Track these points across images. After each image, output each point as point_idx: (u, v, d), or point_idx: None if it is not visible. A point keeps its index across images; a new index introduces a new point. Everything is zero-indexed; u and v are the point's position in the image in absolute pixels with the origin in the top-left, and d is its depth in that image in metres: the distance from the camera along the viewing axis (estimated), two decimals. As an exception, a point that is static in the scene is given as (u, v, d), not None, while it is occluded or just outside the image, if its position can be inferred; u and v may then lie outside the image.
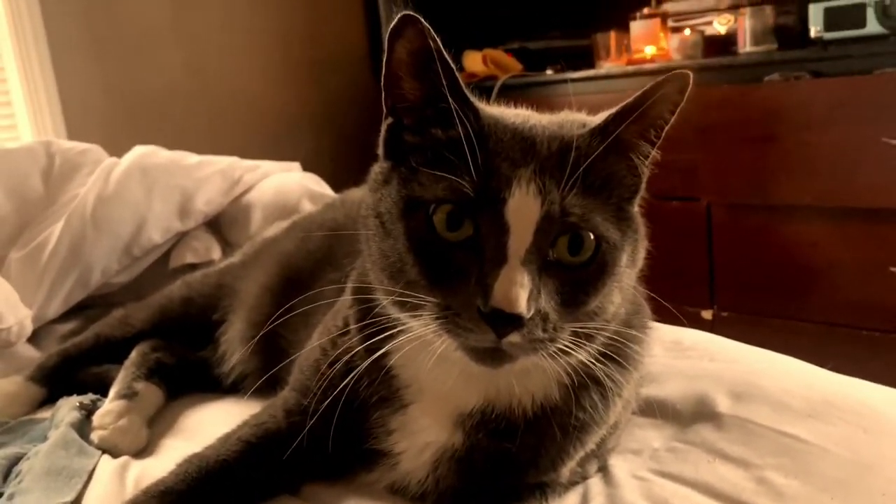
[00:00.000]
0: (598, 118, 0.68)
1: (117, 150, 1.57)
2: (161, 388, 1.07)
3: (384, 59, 0.66)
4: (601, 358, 0.69)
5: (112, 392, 1.04)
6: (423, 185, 0.65)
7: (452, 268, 0.63)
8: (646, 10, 2.65)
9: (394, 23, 0.64)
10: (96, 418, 0.99)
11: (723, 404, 0.88)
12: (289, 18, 2.94)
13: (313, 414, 0.78)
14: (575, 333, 0.65)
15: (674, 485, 0.77)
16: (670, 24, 2.65)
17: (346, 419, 0.75)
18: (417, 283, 0.65)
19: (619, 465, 0.82)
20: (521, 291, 0.59)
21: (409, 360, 0.72)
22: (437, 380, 0.72)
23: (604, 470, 0.82)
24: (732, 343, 1.08)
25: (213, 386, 1.11)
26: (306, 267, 1.04)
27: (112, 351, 1.15)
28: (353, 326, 0.78)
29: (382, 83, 0.68)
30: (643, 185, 0.70)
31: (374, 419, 0.77)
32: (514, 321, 0.59)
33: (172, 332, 1.15)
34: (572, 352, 0.65)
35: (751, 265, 2.39)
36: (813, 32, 2.28)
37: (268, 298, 1.05)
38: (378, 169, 0.72)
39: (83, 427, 0.99)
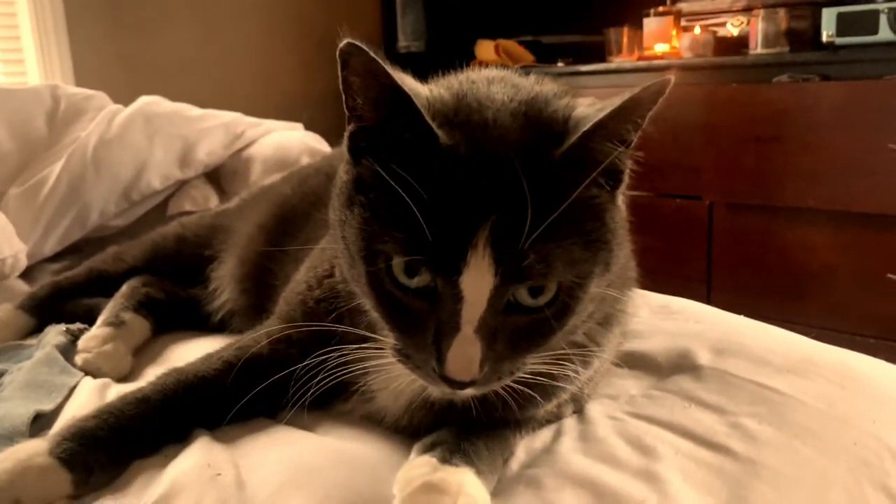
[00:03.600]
0: (577, 118, 0.62)
1: (123, 101, 1.57)
2: (149, 321, 1.07)
3: (339, 72, 0.62)
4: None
5: (100, 320, 1.05)
6: (379, 235, 0.61)
7: (412, 315, 0.62)
8: (660, 8, 2.66)
9: (339, 49, 0.60)
10: (81, 342, 1.00)
11: (703, 358, 0.88)
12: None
13: (295, 343, 0.79)
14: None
15: (647, 425, 0.77)
16: (683, 23, 2.66)
17: (325, 353, 0.76)
18: (379, 320, 0.66)
19: (595, 408, 0.82)
20: (472, 361, 0.59)
21: None
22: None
23: (579, 413, 0.82)
24: (720, 311, 1.08)
25: (202, 323, 1.11)
26: (301, 207, 1.05)
27: (104, 285, 1.15)
28: (337, 272, 0.78)
29: (342, 89, 0.63)
30: (620, 193, 0.66)
31: (351, 355, 0.77)
32: (468, 384, 0.61)
33: (165, 269, 1.16)
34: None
35: (749, 266, 2.39)
36: (825, 37, 2.29)
37: (261, 236, 1.06)
38: (345, 177, 0.68)
39: (68, 351, 1.00)
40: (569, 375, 0.72)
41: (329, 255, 0.81)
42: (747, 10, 2.52)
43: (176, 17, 2.66)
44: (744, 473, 0.68)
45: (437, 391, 0.66)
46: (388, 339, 0.66)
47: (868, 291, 2.16)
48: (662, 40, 2.64)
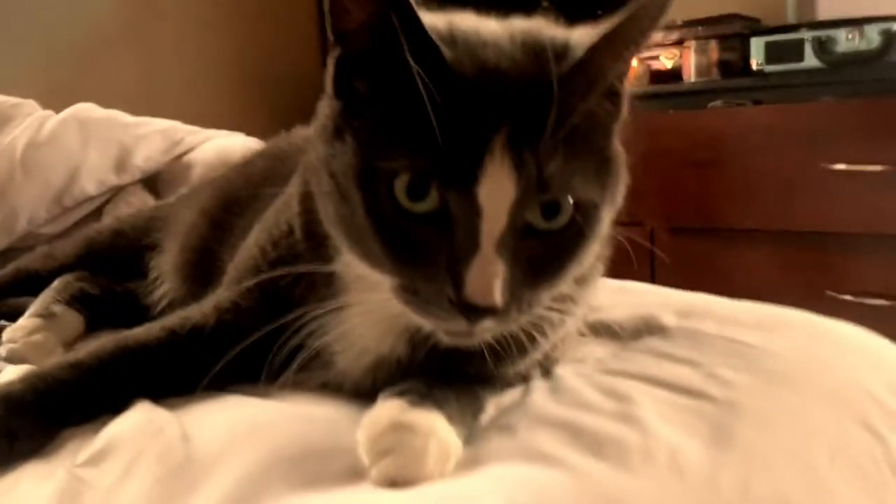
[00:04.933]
0: (577, 39, 0.59)
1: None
2: (82, 315, 1.00)
3: None
4: None
5: (27, 312, 0.97)
6: (380, 151, 0.56)
7: (419, 246, 0.56)
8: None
9: None
10: (7, 333, 0.92)
11: (669, 320, 0.86)
12: (242, 37, 2.94)
13: (245, 313, 0.74)
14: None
15: (619, 378, 0.73)
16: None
17: (278, 318, 0.71)
18: (380, 260, 0.58)
19: (562, 369, 0.79)
20: (496, 283, 0.54)
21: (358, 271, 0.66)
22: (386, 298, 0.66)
23: (547, 374, 0.78)
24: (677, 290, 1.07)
25: (141, 318, 1.04)
26: (246, 189, 1.00)
27: (33, 285, 1.07)
28: (298, 231, 0.73)
29: (327, 6, 0.58)
30: (624, 108, 0.63)
31: (308, 317, 0.72)
32: (488, 311, 0.55)
33: (100, 264, 1.09)
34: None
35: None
36: (754, 65, 2.38)
37: (204, 221, 1.00)
38: (328, 111, 0.63)
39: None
40: (545, 332, 0.68)
41: (283, 218, 0.77)
42: (679, 43, 2.61)
43: (113, 53, 2.61)
44: (724, 414, 0.65)
45: (449, 330, 0.59)
46: (382, 280, 0.60)
47: (810, 308, 2.20)
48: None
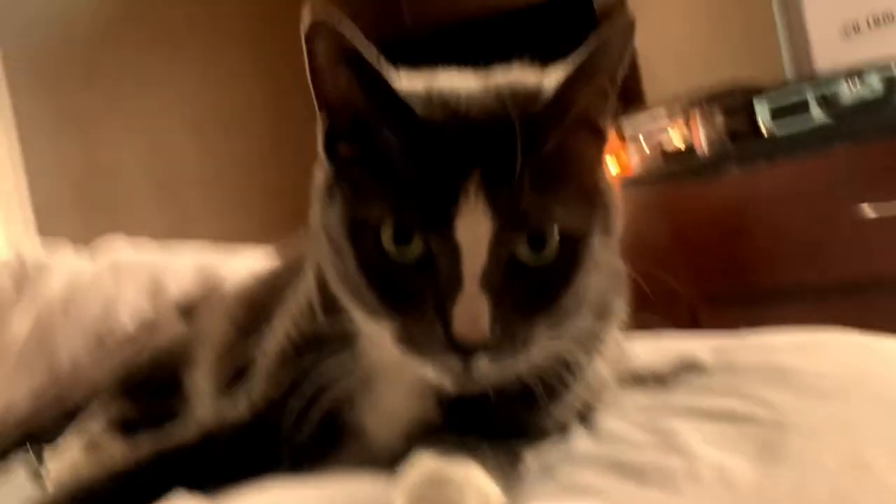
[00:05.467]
0: (546, 82, 0.61)
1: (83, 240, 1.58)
2: (122, 440, 1.00)
3: (306, 59, 0.60)
4: None
5: (68, 440, 0.98)
6: (365, 204, 0.59)
7: (409, 290, 0.58)
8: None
9: (305, 28, 0.59)
10: (49, 461, 0.93)
11: (706, 357, 0.84)
12: (257, 146, 3.00)
13: (277, 404, 0.74)
14: (552, 329, 0.61)
15: (661, 415, 0.72)
16: (627, 141, 2.79)
17: (311, 403, 0.71)
18: (376, 309, 0.61)
19: (602, 415, 0.77)
20: (482, 317, 0.55)
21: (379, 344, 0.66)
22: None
23: (586, 421, 0.76)
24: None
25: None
26: (272, 294, 1.02)
27: (72, 412, 1.09)
28: (317, 308, 0.75)
29: (309, 80, 0.62)
30: (607, 140, 0.65)
31: (339, 396, 0.73)
32: (479, 347, 0.56)
33: (138, 386, 1.10)
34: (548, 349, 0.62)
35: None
36: (763, 129, 2.40)
37: (235, 331, 1.02)
38: (321, 175, 0.66)
39: (36, 475, 0.93)
40: (575, 373, 0.67)
41: (303, 299, 0.78)
42: (685, 119, 2.65)
43: (137, 193, 2.72)
44: (771, 432, 0.63)
45: (448, 372, 0.59)
46: (385, 332, 0.61)
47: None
48: (613, 159, 2.74)
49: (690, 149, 2.61)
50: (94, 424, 1.01)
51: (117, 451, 0.98)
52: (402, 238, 0.58)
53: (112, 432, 1.01)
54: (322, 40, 0.59)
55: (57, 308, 1.34)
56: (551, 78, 0.62)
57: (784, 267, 2.22)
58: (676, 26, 2.89)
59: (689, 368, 0.83)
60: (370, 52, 0.59)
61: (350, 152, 0.62)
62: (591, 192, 0.61)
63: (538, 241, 0.58)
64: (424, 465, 0.59)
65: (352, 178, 0.61)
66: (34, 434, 1.09)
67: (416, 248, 0.57)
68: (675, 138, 2.69)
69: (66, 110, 2.62)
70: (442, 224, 0.56)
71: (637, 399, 0.81)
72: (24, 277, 1.46)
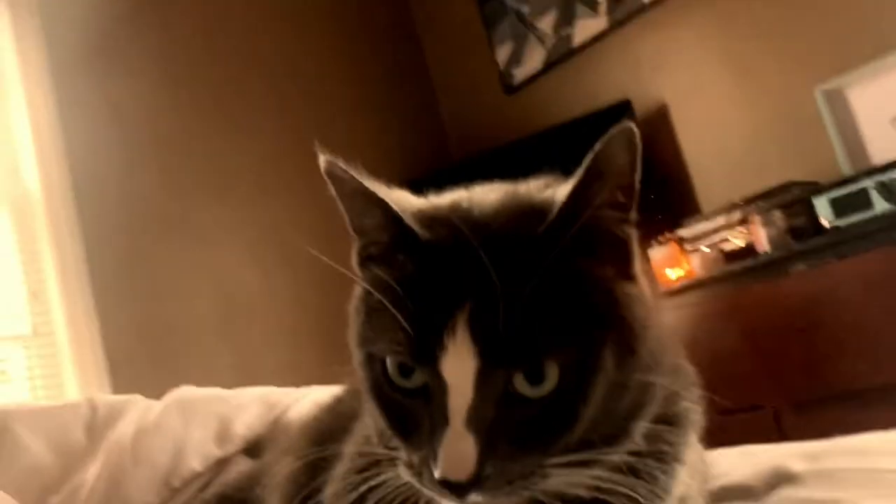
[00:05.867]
0: (557, 196, 0.60)
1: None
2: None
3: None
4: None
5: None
6: (373, 336, 0.61)
7: (412, 419, 0.59)
8: (660, 238, 2.77)
9: (323, 169, 0.63)
10: None
11: (799, 466, 0.79)
12: (319, 283, 3.04)
13: None
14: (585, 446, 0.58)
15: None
16: (687, 247, 2.76)
17: None
18: (388, 435, 0.62)
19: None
20: (465, 458, 0.54)
21: None
22: None
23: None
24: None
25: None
26: (337, 426, 1.00)
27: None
28: (374, 436, 0.74)
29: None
30: (633, 252, 0.62)
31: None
32: (466, 485, 0.54)
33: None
34: (585, 468, 0.58)
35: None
36: (825, 223, 2.35)
37: (301, 469, 1.00)
38: (356, 293, 0.67)
39: None
40: (648, 483, 0.63)
41: (365, 426, 0.77)
42: (744, 221, 2.62)
43: (209, 347, 2.78)
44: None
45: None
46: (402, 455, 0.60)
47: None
48: (673, 266, 2.71)
49: (752, 249, 2.56)
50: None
51: None
52: (406, 371, 0.58)
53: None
54: (333, 180, 0.63)
55: (126, 455, 1.34)
56: (560, 192, 0.60)
57: (866, 364, 2.11)
58: (722, 132, 2.90)
59: (782, 480, 0.77)
60: (376, 186, 0.62)
61: (369, 280, 0.63)
62: (603, 312, 0.58)
63: (535, 375, 0.55)
64: None
65: (368, 306, 0.62)
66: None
67: (417, 378, 0.58)
68: (736, 240, 2.65)
69: (136, 261, 2.73)
70: (429, 361, 0.55)
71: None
72: (95, 424, 1.47)
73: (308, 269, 2.78)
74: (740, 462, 0.90)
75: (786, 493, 0.74)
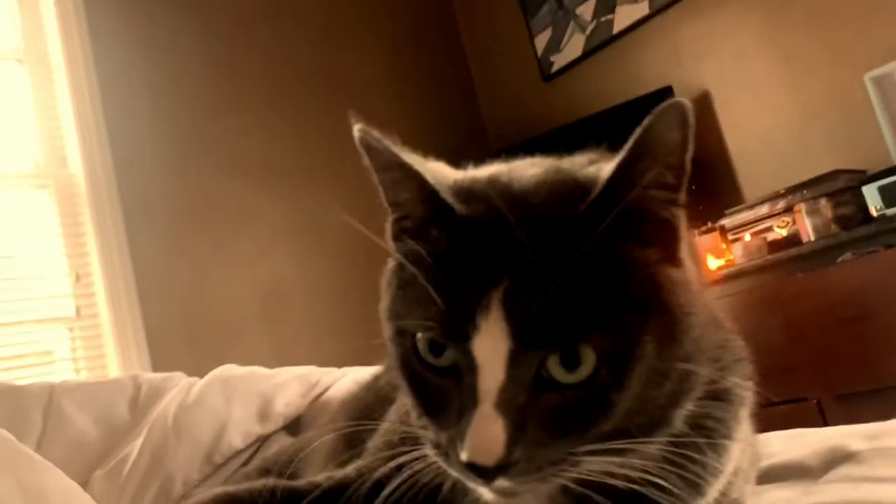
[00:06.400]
0: (596, 177, 0.57)
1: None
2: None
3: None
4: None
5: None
6: (404, 311, 0.59)
7: (440, 396, 0.57)
8: (703, 228, 2.73)
9: (357, 139, 0.61)
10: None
11: (858, 445, 0.76)
12: (355, 270, 3.06)
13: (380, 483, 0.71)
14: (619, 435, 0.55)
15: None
16: (730, 236, 2.71)
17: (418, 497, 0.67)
18: (417, 413, 0.60)
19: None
20: (494, 441, 0.51)
21: None
22: None
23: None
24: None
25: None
26: (376, 402, 1.00)
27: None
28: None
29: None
30: (680, 236, 0.58)
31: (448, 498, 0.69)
32: (493, 468, 0.52)
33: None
34: (618, 456, 0.55)
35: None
36: (874, 212, 2.30)
37: (340, 443, 1.00)
38: (389, 266, 0.65)
39: None
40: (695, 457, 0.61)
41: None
42: (788, 210, 2.57)
43: (249, 333, 2.80)
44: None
45: (483, 492, 0.56)
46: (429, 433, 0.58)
47: None
48: (715, 255, 2.67)
49: (797, 238, 2.51)
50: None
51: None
52: (437, 348, 0.56)
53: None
54: (368, 150, 0.60)
55: (169, 430, 1.35)
56: (606, 169, 0.57)
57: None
58: (767, 120, 2.85)
59: (841, 458, 0.75)
60: (412, 157, 0.60)
61: (403, 253, 0.60)
62: (644, 297, 0.55)
63: (571, 360, 0.52)
64: None
65: (400, 279, 0.60)
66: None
67: (448, 356, 0.55)
68: (780, 229, 2.61)
69: (177, 245, 2.76)
70: (461, 339, 0.53)
71: (783, 495, 0.73)
72: (139, 401, 1.49)
73: (345, 255, 2.79)
74: (792, 443, 0.88)
75: (843, 471, 0.72)
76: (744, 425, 0.70)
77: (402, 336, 0.59)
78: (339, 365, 1.86)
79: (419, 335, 0.57)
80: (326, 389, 1.49)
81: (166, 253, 2.73)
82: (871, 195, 2.31)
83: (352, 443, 0.97)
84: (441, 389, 0.56)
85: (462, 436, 0.52)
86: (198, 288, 2.76)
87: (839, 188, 2.43)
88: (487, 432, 0.51)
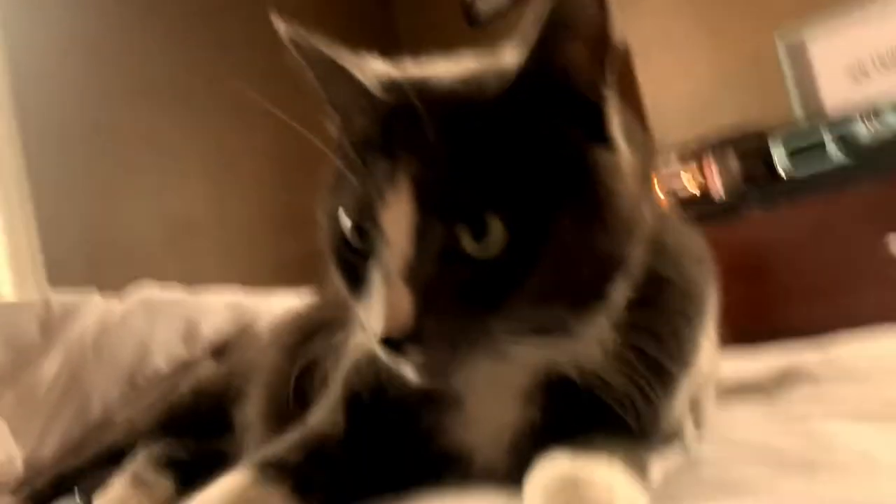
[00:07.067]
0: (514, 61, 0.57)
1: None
2: (171, 479, 0.94)
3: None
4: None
5: (115, 481, 0.91)
6: (332, 200, 0.61)
7: (366, 278, 0.58)
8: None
9: (284, 38, 0.62)
10: (98, 499, 0.86)
11: (812, 364, 0.79)
12: (269, 193, 2.98)
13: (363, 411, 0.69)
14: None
15: (797, 423, 0.65)
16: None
17: (393, 425, 0.67)
18: (349, 297, 0.61)
19: (724, 430, 0.71)
20: (401, 312, 0.53)
21: None
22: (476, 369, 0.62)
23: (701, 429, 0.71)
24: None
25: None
26: (327, 316, 0.97)
27: (116, 460, 1.02)
28: None
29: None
30: (607, 115, 0.57)
31: (428, 423, 0.68)
32: (403, 340, 0.53)
33: (184, 426, 1.03)
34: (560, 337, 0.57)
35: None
36: (782, 172, 2.40)
37: (286, 358, 0.96)
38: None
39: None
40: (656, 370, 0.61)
41: None
42: (698, 166, 2.65)
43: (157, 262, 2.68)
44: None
45: (406, 367, 0.56)
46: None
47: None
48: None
49: (706, 193, 2.60)
50: (139, 464, 0.95)
51: (162, 485, 0.92)
52: (361, 231, 0.57)
53: (158, 469, 0.95)
54: (297, 48, 0.62)
55: (88, 351, 1.28)
56: (523, 50, 0.56)
57: (811, 309, 2.18)
58: (682, 74, 2.92)
59: (795, 378, 0.78)
60: (334, 51, 0.61)
61: (336, 142, 0.63)
62: (562, 174, 0.55)
63: (479, 233, 0.53)
64: (558, 466, 0.53)
65: (334, 171, 0.61)
66: (70, 477, 1.03)
67: (369, 237, 0.57)
68: (689, 183, 2.69)
69: (79, 169, 2.60)
70: (373, 214, 0.55)
71: (747, 410, 0.76)
72: (50, 322, 1.40)
73: (258, 187, 2.72)
74: (740, 362, 0.91)
75: (803, 390, 0.75)
76: (709, 329, 0.70)
77: (332, 222, 0.60)
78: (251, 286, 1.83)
79: (343, 220, 0.58)
80: (256, 319, 1.45)
81: (68, 179, 2.56)
82: (779, 154, 2.41)
83: (297, 355, 0.94)
84: (365, 271, 0.57)
85: (375, 311, 0.54)
86: (101, 214, 2.61)
87: (747, 145, 2.52)
88: (395, 304, 0.52)
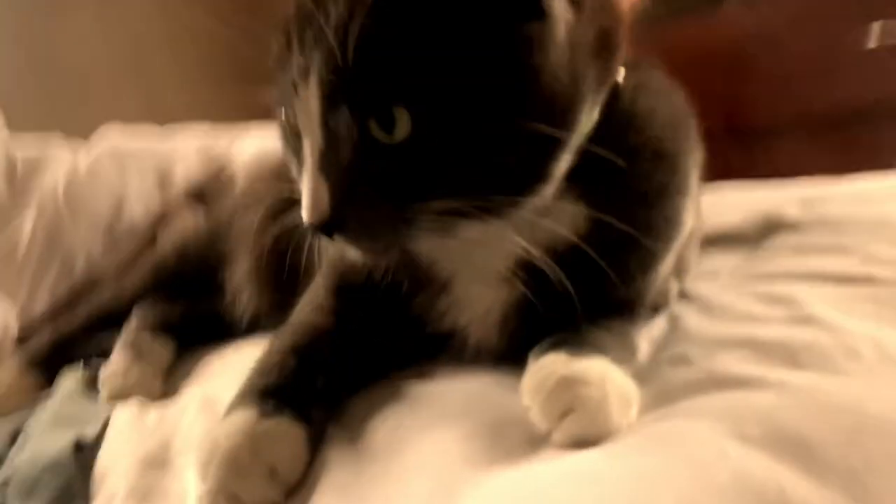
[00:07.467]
0: None
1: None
2: (169, 343, 0.96)
3: None
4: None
5: (116, 350, 0.93)
6: (277, 71, 0.60)
7: (300, 165, 0.58)
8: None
9: None
10: (103, 374, 0.88)
11: (794, 213, 0.79)
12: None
13: (353, 300, 0.70)
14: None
15: (769, 282, 0.67)
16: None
17: (385, 311, 0.68)
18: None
19: (699, 287, 0.73)
20: (319, 199, 0.54)
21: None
22: (458, 251, 0.63)
23: (683, 293, 0.72)
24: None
25: (230, 333, 1.00)
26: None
27: (109, 322, 1.03)
28: None
29: None
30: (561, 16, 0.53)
31: (419, 307, 0.68)
32: (324, 225, 0.54)
33: (172, 287, 1.04)
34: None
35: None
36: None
37: (271, 221, 0.95)
38: None
39: (89, 386, 0.89)
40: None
41: None
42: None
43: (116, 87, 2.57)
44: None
45: (349, 252, 0.58)
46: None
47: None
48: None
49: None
50: (136, 332, 0.97)
51: (162, 349, 0.95)
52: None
53: (154, 335, 0.97)
54: None
55: (62, 207, 1.25)
56: None
57: (791, 99, 2.16)
58: None
59: (777, 227, 0.78)
60: None
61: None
62: (476, 60, 0.51)
63: (386, 122, 0.52)
64: (553, 364, 0.54)
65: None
66: (68, 341, 1.04)
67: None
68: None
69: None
70: (290, 105, 0.56)
71: (727, 263, 0.77)
72: (15, 176, 1.35)
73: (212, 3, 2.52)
74: (719, 207, 0.91)
75: (784, 240, 0.75)
76: (692, 189, 0.69)
77: (278, 108, 0.61)
78: (215, 120, 1.75)
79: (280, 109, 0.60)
80: (228, 158, 1.41)
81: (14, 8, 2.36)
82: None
83: (277, 218, 0.93)
84: (301, 156, 0.57)
85: (303, 198, 0.55)
86: (54, 45, 2.44)
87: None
88: (313, 193, 0.54)
